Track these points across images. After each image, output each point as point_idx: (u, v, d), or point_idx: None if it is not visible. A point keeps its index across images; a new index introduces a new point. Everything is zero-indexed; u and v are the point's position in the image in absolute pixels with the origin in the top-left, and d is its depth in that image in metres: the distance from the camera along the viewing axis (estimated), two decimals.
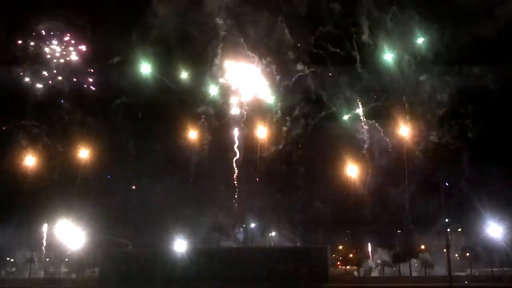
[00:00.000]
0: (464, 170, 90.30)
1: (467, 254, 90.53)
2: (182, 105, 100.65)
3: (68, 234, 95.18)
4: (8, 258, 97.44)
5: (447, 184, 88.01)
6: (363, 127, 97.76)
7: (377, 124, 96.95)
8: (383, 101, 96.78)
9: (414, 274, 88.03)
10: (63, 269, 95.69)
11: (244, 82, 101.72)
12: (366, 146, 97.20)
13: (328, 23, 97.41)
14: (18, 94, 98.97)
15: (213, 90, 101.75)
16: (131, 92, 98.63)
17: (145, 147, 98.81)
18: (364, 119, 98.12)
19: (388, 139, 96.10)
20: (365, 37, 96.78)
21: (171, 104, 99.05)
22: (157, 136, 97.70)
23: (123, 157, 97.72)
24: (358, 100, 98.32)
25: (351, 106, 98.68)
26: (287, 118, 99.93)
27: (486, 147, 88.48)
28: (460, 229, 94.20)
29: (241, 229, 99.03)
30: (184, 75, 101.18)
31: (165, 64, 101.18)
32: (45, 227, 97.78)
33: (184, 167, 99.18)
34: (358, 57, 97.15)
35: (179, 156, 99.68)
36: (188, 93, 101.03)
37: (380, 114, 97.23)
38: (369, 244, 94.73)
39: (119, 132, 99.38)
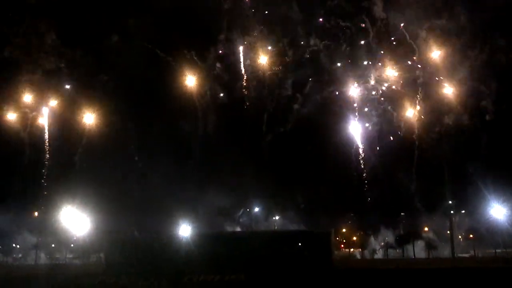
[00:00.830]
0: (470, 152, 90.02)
1: (471, 236, 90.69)
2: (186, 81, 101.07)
3: (73, 220, 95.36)
4: (14, 245, 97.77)
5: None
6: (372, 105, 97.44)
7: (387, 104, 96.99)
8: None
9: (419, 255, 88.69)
10: (69, 255, 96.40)
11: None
12: (373, 124, 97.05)
13: None
14: None
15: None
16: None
17: (149, 128, 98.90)
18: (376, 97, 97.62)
19: (397, 118, 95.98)
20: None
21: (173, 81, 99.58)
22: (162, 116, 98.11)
23: (127, 140, 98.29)
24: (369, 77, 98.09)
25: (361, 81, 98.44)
26: (297, 95, 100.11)
27: (495, 131, 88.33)
28: (463, 211, 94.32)
29: (245, 212, 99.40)
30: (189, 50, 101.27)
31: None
32: (50, 213, 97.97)
33: (187, 149, 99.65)
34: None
35: (182, 137, 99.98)
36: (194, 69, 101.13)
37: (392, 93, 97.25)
38: (373, 226, 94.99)
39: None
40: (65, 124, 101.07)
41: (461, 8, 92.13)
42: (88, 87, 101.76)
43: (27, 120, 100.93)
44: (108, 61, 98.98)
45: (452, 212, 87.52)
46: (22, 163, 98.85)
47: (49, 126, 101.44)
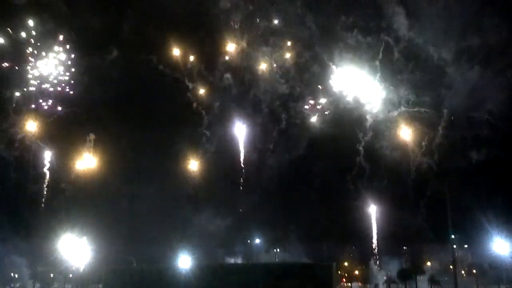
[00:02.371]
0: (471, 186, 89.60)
1: (474, 271, 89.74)
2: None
3: (72, 250, 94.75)
4: (12, 274, 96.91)
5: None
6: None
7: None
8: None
9: None
10: (67, 286, 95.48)
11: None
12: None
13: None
14: None
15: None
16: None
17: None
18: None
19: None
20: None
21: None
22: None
23: (128, 170, 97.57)
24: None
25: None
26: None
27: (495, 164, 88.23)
28: (466, 246, 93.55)
29: (245, 243, 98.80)
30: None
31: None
32: (49, 243, 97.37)
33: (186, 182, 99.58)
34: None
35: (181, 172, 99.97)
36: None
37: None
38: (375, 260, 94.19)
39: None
40: (65, 153, 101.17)
41: None
42: (87, 115, 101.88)
43: (28, 151, 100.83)
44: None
45: (454, 247, 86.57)
46: (21, 192, 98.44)
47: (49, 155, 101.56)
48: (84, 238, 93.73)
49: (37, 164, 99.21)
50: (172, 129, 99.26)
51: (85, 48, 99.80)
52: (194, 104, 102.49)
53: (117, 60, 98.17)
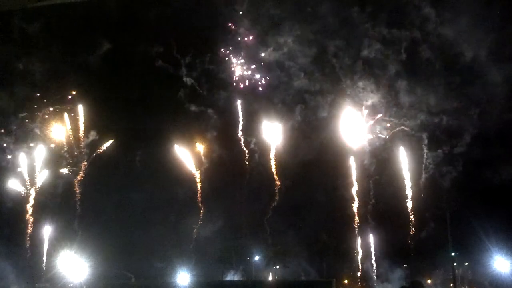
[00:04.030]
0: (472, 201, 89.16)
1: None
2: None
3: (71, 266, 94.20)
4: None
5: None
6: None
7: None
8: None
9: None
10: None
11: None
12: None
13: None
14: None
15: None
16: None
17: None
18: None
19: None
20: None
21: None
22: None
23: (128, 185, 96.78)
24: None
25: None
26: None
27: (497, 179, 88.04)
28: (466, 263, 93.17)
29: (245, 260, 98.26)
30: None
31: None
32: (47, 258, 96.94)
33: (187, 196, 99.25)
34: None
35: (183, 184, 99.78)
36: None
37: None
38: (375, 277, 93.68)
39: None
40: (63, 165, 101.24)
41: None
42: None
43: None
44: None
45: (455, 264, 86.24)
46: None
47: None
48: (83, 253, 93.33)
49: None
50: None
51: None
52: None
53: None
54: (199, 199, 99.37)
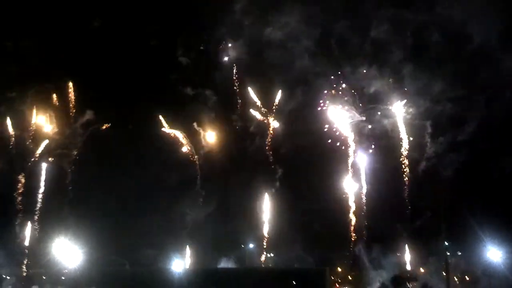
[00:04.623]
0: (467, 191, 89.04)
1: (467, 278, 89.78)
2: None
3: (65, 252, 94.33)
4: (4, 275, 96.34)
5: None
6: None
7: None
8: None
9: None
10: None
11: None
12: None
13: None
14: None
15: None
16: None
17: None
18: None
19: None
20: None
21: None
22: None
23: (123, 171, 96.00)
24: None
25: None
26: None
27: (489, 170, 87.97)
28: (459, 253, 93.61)
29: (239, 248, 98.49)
30: None
31: None
32: (42, 244, 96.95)
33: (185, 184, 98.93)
34: None
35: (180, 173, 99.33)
36: None
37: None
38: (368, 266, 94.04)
39: None
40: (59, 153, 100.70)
41: None
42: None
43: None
44: None
45: (448, 253, 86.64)
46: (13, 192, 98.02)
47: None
48: (77, 240, 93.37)
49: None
50: None
51: None
52: None
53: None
54: (195, 184, 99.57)
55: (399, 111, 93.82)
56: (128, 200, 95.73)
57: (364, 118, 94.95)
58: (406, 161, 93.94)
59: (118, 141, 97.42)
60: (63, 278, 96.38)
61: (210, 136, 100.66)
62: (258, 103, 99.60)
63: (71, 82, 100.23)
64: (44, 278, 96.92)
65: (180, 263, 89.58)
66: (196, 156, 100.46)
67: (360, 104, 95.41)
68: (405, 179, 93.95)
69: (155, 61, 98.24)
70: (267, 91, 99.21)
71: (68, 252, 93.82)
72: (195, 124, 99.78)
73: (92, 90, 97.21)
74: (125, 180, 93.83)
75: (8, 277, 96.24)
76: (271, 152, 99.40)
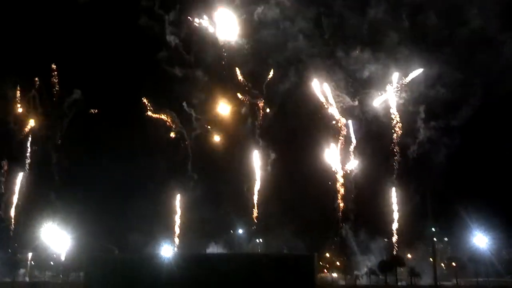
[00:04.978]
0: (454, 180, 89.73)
1: (453, 264, 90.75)
2: None
3: (54, 238, 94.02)
4: None
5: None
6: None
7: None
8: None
9: (401, 283, 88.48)
10: (48, 273, 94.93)
11: None
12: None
13: None
14: None
15: None
16: None
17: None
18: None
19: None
20: None
21: None
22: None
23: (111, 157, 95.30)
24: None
25: None
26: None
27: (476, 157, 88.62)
28: (446, 239, 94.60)
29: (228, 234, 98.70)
30: None
31: None
32: (30, 230, 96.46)
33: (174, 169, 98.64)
34: None
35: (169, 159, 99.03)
36: None
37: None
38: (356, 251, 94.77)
39: None
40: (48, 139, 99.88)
41: None
42: None
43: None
44: None
45: (435, 240, 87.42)
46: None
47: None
48: (66, 225, 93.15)
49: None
50: None
51: None
52: None
53: None
54: (186, 167, 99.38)
55: (392, 95, 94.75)
56: (116, 185, 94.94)
57: (356, 103, 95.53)
58: (396, 147, 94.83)
59: (106, 124, 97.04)
60: (51, 263, 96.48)
61: (201, 117, 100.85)
62: (249, 84, 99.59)
63: (55, 64, 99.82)
64: (33, 263, 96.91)
65: (169, 249, 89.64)
66: (187, 141, 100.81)
67: (352, 89, 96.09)
68: (394, 164, 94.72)
69: (143, 40, 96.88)
70: (258, 72, 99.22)
71: (56, 237, 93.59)
72: (184, 104, 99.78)
73: (78, 70, 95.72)
74: (114, 164, 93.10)
75: None
76: (260, 135, 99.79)
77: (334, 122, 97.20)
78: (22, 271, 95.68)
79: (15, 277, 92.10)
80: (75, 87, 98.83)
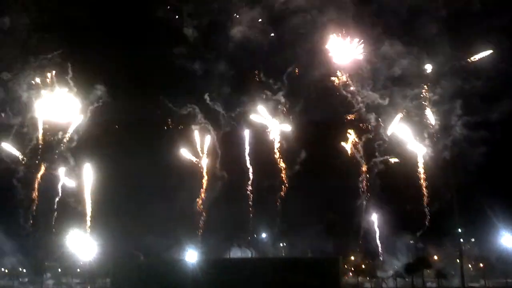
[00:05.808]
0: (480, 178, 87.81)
1: (481, 265, 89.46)
2: None
3: (80, 244, 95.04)
4: (20, 269, 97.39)
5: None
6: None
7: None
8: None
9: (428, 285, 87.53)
10: (75, 280, 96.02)
11: None
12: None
13: None
14: None
15: None
16: None
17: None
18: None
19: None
20: None
21: None
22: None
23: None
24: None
25: None
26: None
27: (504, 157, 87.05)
28: (473, 239, 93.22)
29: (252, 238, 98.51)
30: None
31: None
32: (57, 237, 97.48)
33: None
34: None
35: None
36: None
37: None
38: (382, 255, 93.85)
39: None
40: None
41: None
42: None
43: None
44: None
45: (461, 240, 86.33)
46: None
47: None
48: (91, 232, 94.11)
49: None
50: None
51: None
52: None
53: None
54: (203, 170, 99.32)
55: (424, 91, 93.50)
56: (138, 191, 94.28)
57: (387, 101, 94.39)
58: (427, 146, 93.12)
59: (127, 130, 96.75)
60: (78, 270, 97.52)
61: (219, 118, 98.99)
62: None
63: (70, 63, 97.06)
64: (60, 270, 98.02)
65: (194, 254, 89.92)
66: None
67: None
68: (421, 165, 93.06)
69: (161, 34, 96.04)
70: (280, 66, 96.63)
71: (82, 245, 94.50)
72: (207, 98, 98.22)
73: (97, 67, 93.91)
74: (133, 168, 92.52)
75: (24, 270, 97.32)
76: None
77: (360, 117, 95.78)
78: (49, 278, 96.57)
79: (43, 285, 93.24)
80: (94, 83, 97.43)
